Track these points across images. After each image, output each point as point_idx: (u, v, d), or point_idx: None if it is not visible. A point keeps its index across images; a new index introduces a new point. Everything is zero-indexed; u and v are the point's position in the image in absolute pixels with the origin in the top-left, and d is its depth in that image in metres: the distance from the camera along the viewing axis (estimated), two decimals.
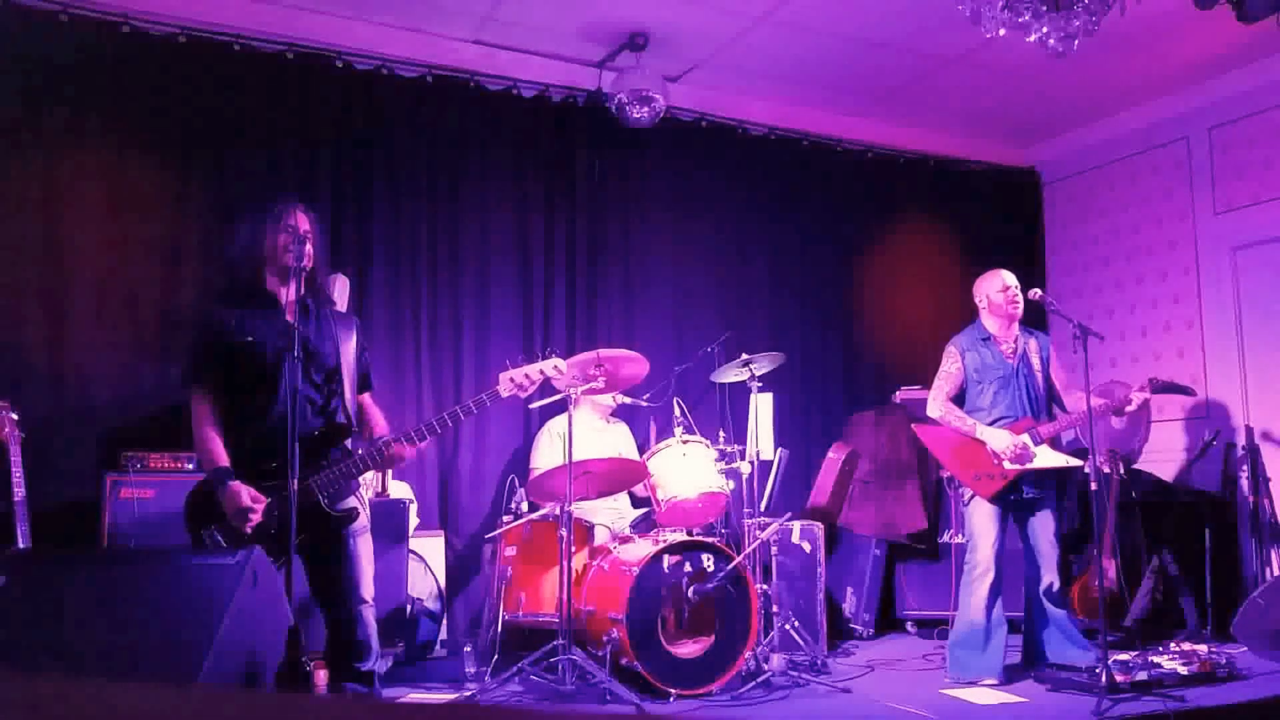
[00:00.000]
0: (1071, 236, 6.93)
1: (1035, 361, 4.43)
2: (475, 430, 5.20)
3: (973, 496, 4.29)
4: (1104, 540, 5.00)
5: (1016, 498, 4.27)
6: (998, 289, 4.43)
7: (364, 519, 3.15)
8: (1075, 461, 4.32)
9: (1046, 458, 4.23)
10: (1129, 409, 4.34)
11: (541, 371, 3.23)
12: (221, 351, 3.05)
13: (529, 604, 4.18)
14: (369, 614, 3.12)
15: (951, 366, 4.46)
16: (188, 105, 4.74)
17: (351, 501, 3.12)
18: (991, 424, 4.30)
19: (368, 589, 3.12)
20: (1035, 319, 4.71)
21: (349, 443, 3.18)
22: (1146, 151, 6.43)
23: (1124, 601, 5.11)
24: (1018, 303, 4.42)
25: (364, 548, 3.14)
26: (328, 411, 3.13)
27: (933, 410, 4.45)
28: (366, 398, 3.31)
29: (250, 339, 3.04)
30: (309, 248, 3.09)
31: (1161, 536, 5.29)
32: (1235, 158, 5.95)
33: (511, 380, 3.20)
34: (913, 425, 4.80)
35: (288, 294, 3.06)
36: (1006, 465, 4.18)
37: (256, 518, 2.92)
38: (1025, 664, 4.38)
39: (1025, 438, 4.21)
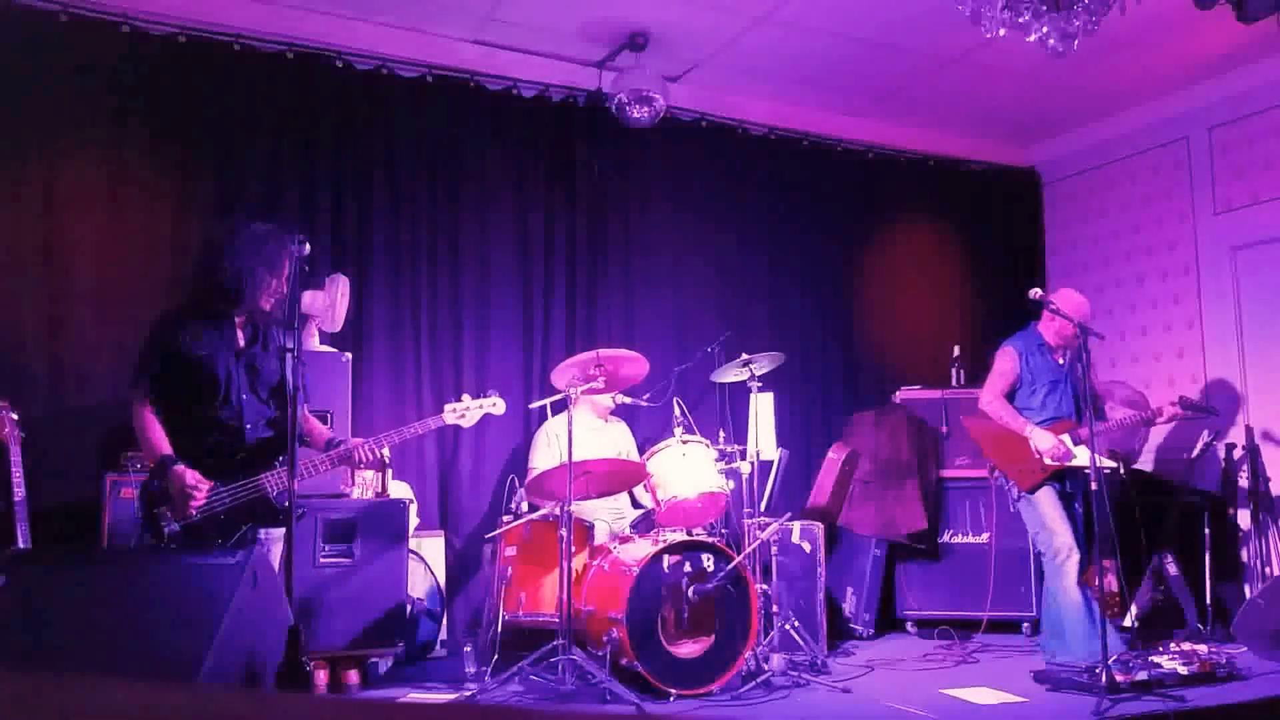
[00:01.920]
0: (1071, 236, 6.93)
1: (1079, 368, 4.62)
2: (475, 430, 5.18)
3: (1022, 492, 4.53)
4: (1104, 540, 5.00)
5: (1059, 489, 4.53)
6: (1072, 326, 4.40)
7: (279, 533, 3.23)
8: (1110, 463, 4.61)
9: (1084, 457, 4.41)
10: (1160, 421, 4.64)
11: (481, 406, 3.65)
12: (175, 362, 3.18)
13: (529, 604, 4.18)
14: None
15: (1007, 366, 4.69)
16: (187, 105, 4.74)
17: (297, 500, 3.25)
18: (1040, 423, 4.55)
19: None
20: (1035, 319, 4.77)
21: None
22: (1146, 151, 6.42)
23: (1124, 601, 5.11)
24: (1075, 342, 4.52)
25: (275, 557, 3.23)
26: (277, 422, 3.31)
27: (987, 405, 4.67)
28: (303, 411, 3.46)
29: (203, 354, 3.19)
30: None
31: (1161, 536, 5.29)
32: (1235, 158, 5.95)
33: (454, 412, 3.60)
34: (962, 419, 4.96)
35: (241, 316, 3.28)
36: (1047, 461, 4.45)
37: (200, 498, 3.06)
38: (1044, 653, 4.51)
39: (1066, 437, 4.48)
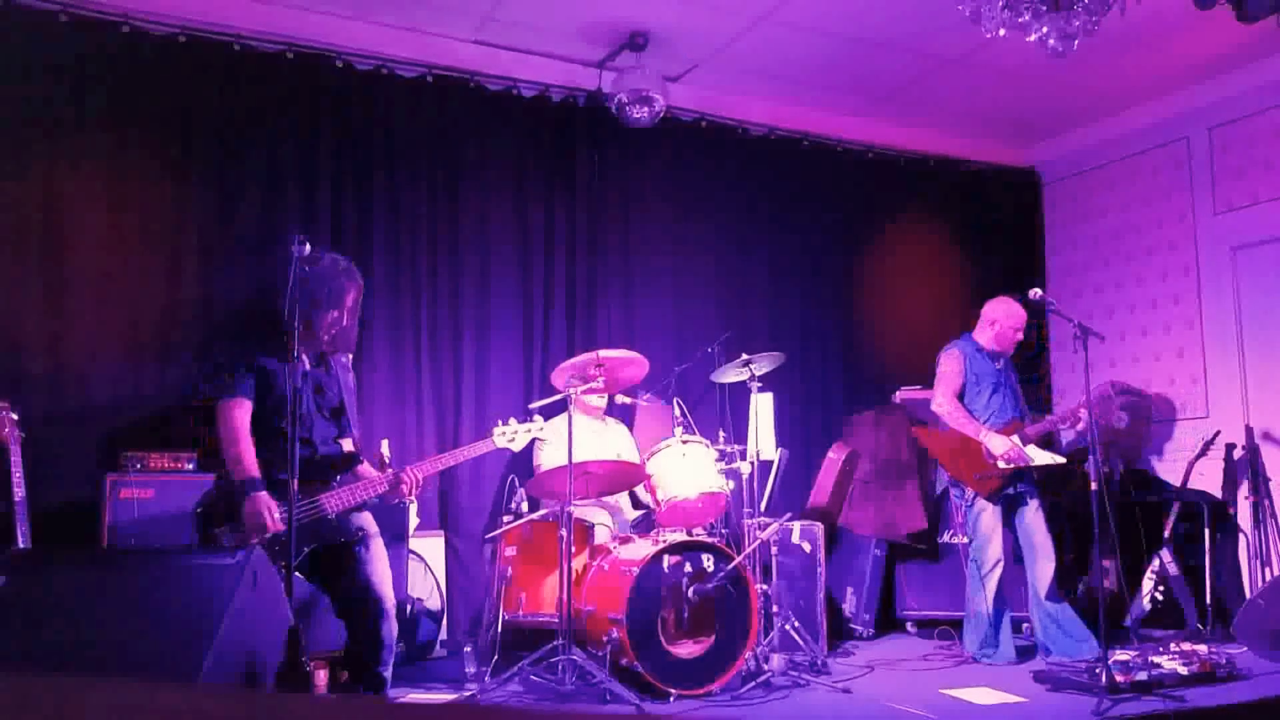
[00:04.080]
0: (1071, 236, 6.93)
1: (1011, 371, 4.86)
2: (475, 430, 5.19)
3: (976, 497, 4.61)
4: (1104, 540, 5.00)
5: (1012, 492, 4.62)
6: (1014, 325, 4.76)
7: (372, 527, 3.35)
8: (1060, 459, 4.67)
9: (1039, 457, 4.58)
10: (1076, 423, 4.65)
11: (529, 430, 3.77)
12: (257, 377, 3.26)
13: (529, 604, 4.18)
14: (392, 616, 3.29)
15: (956, 366, 4.77)
16: (188, 105, 4.74)
17: (361, 521, 3.33)
18: (986, 423, 4.63)
19: (387, 590, 3.28)
20: (1035, 319, 4.83)
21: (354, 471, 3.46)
22: (1146, 151, 6.42)
23: (1124, 601, 5.11)
24: (1019, 341, 4.82)
25: (376, 551, 3.31)
26: (338, 442, 3.40)
27: (941, 408, 4.72)
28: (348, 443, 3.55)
29: (275, 370, 3.27)
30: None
31: (1161, 536, 5.29)
32: (1235, 158, 5.95)
33: (504, 435, 3.72)
34: (913, 429, 5.00)
35: (308, 342, 3.34)
36: (1001, 465, 4.52)
37: (270, 530, 3.09)
38: (1034, 654, 4.63)
39: (1016, 438, 4.55)
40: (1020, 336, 4.80)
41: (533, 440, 4.96)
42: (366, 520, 3.36)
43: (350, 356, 3.71)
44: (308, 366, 3.33)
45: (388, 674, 3.29)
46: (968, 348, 4.79)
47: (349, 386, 3.49)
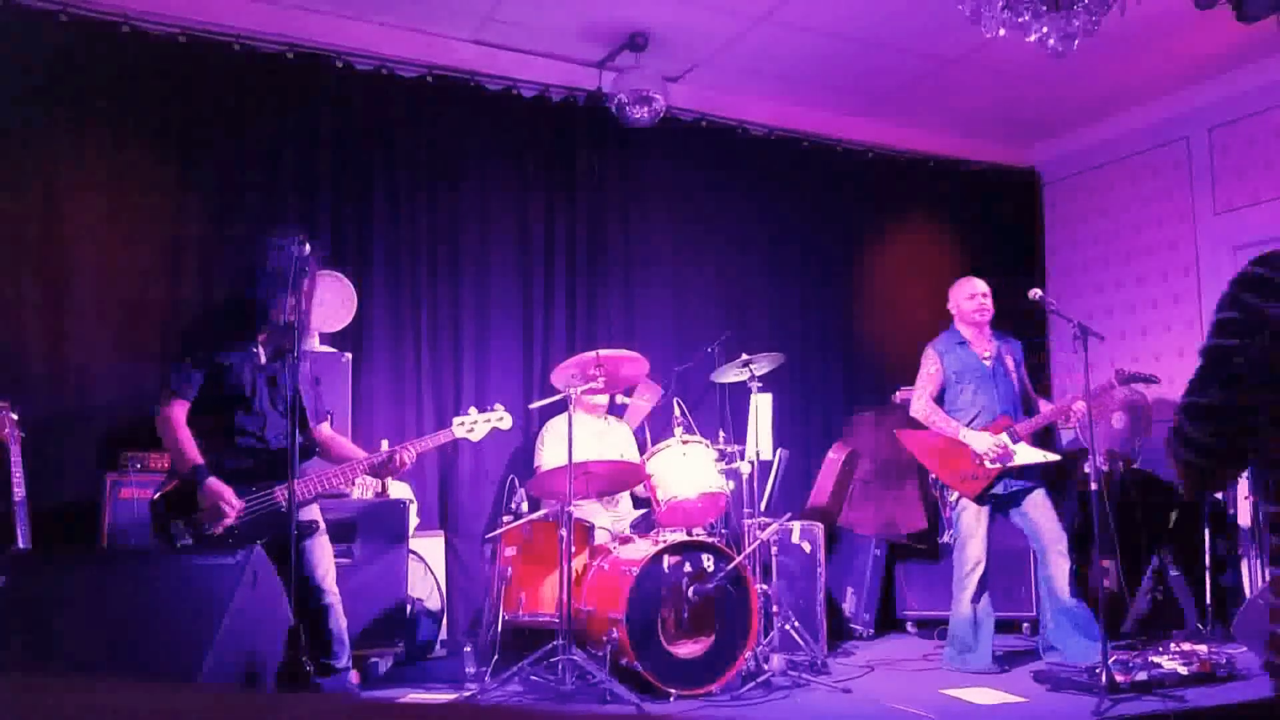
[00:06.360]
0: (1071, 236, 6.93)
1: (1010, 363, 4.62)
2: None
3: (959, 498, 4.48)
4: (1104, 540, 5.00)
5: (1002, 492, 4.44)
6: (965, 295, 4.64)
7: (319, 520, 3.41)
8: (1053, 456, 4.47)
9: (1026, 455, 4.41)
10: (1075, 418, 4.42)
11: (488, 420, 3.71)
12: (205, 366, 3.29)
13: (529, 604, 4.18)
14: (336, 608, 3.35)
15: (931, 368, 4.63)
16: (188, 105, 4.74)
17: (311, 514, 3.36)
18: (970, 422, 4.47)
19: (330, 583, 3.35)
20: (1035, 319, 4.75)
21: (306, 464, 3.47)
22: (1146, 151, 6.43)
23: (1124, 601, 5.11)
24: (985, 310, 4.60)
25: (320, 544, 3.36)
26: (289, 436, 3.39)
27: (917, 412, 4.60)
28: (325, 428, 3.60)
29: (230, 363, 3.30)
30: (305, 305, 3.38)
31: (1161, 536, 5.29)
32: (1235, 158, 5.95)
33: (462, 425, 3.67)
34: (896, 432, 4.84)
35: (263, 334, 3.38)
36: (987, 465, 4.38)
37: (230, 518, 3.12)
38: (1041, 653, 4.51)
39: (1004, 436, 4.39)
40: (980, 305, 4.55)
41: (535, 439, 5.02)
42: (315, 513, 3.40)
43: (313, 341, 3.72)
44: (264, 360, 3.36)
45: (341, 665, 3.34)
46: (944, 344, 4.62)
47: (307, 377, 3.47)
